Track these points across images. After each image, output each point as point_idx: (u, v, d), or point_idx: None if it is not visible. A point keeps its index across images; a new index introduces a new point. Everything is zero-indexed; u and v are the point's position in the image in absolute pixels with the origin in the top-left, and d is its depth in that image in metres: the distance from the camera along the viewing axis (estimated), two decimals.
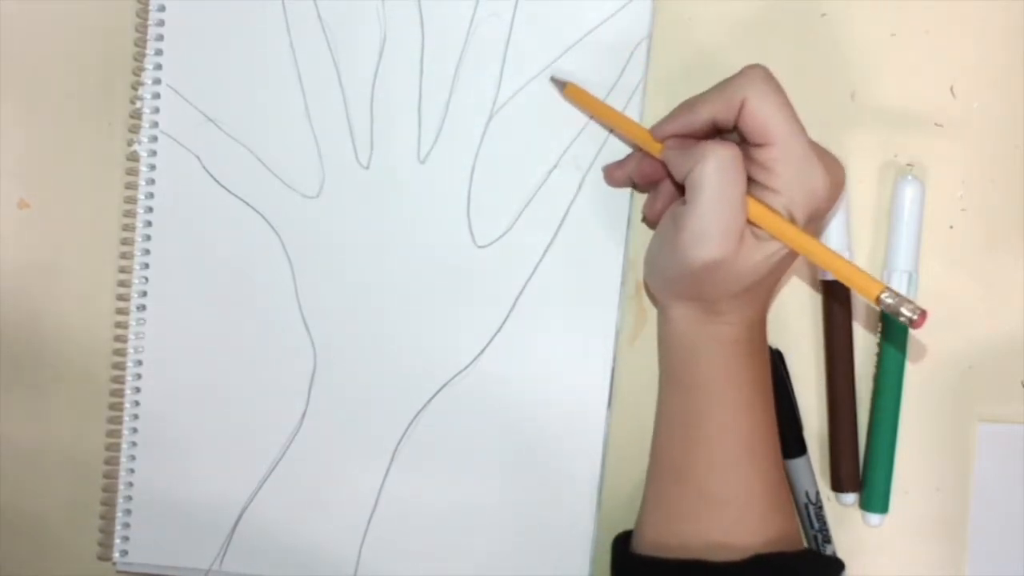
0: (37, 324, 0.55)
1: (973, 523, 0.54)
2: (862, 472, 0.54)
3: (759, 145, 0.45)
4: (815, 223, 0.46)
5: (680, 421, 0.49)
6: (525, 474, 0.53)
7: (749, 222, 0.45)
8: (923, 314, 0.41)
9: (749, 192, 0.45)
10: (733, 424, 0.48)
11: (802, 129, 0.45)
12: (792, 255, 0.46)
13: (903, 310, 0.41)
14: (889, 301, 0.42)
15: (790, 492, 0.51)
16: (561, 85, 0.52)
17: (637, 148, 0.51)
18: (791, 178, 0.44)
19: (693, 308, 0.48)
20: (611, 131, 0.52)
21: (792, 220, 0.45)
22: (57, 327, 0.55)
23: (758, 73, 0.45)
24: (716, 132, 0.47)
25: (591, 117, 0.52)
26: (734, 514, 0.48)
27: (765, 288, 0.48)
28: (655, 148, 0.48)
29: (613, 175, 0.52)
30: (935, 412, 0.54)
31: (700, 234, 0.44)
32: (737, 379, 0.48)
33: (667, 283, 0.49)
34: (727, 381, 0.48)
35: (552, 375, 0.53)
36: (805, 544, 0.52)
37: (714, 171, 0.44)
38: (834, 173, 0.45)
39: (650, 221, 0.52)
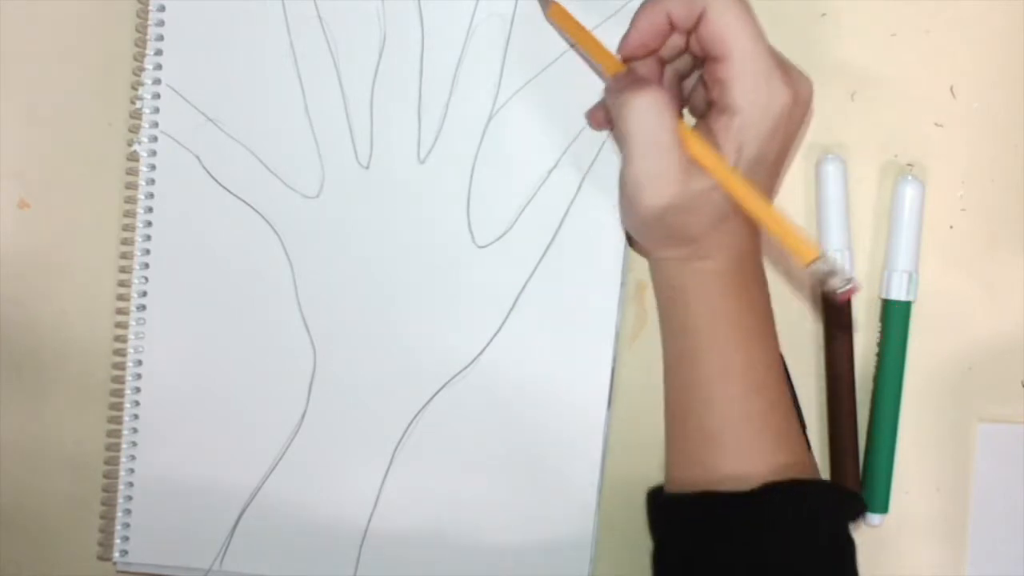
0: (37, 324, 0.56)
1: (973, 523, 0.54)
2: (862, 472, 0.54)
3: (716, 59, 0.44)
4: (781, 143, 0.45)
5: (677, 364, 0.49)
6: (525, 474, 0.53)
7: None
8: (852, 288, 0.40)
9: (706, 116, 0.44)
10: (728, 362, 0.48)
11: (764, 44, 0.43)
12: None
13: (833, 280, 0.40)
14: (822, 268, 0.40)
15: (799, 423, 0.50)
16: (546, 4, 0.51)
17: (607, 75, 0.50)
18: (749, 95, 0.43)
19: (677, 251, 0.48)
20: (588, 59, 0.52)
21: (742, 145, 0.44)
22: (57, 327, 0.55)
23: None
24: (683, 47, 0.46)
25: (570, 43, 0.52)
26: (739, 447, 0.47)
27: (743, 218, 0.46)
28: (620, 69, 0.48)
29: (595, 116, 0.51)
30: (935, 412, 0.54)
31: (640, 184, 0.44)
32: (728, 316, 0.47)
33: (641, 233, 0.49)
34: (718, 319, 0.47)
35: (552, 375, 0.53)
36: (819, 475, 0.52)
37: (636, 120, 0.43)
38: (799, 90, 0.44)
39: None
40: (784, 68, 0.44)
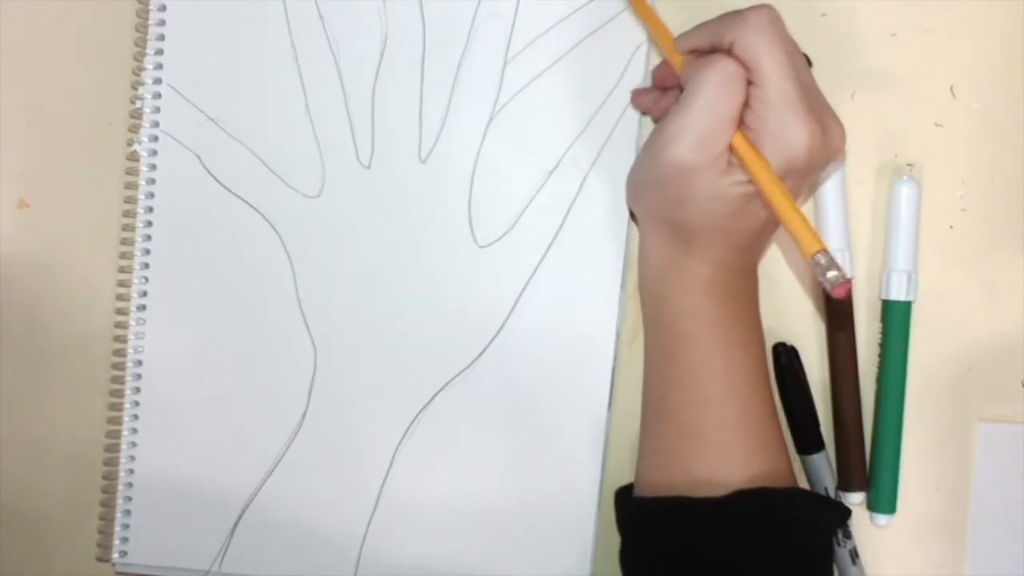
0: (37, 324, 0.55)
1: (973, 523, 0.54)
2: (868, 472, 0.53)
3: (750, 82, 0.44)
4: (792, 179, 0.45)
5: (658, 361, 0.50)
6: (525, 474, 0.53)
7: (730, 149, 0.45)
8: (844, 284, 0.41)
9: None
10: (707, 362, 0.48)
11: (792, 78, 0.44)
12: (768, 211, 0.45)
13: (828, 275, 0.41)
14: (821, 261, 0.41)
15: (781, 432, 0.50)
16: None
17: (662, 54, 0.51)
18: (767, 124, 0.44)
19: (667, 234, 0.48)
20: (648, 32, 0.52)
21: None
22: (57, 327, 0.55)
23: (756, 20, 0.44)
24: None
25: (632, 10, 0.52)
26: (714, 451, 0.48)
27: (742, 233, 0.47)
28: (677, 60, 0.48)
29: (640, 99, 0.52)
30: (935, 412, 0.54)
31: (680, 131, 0.44)
32: (708, 319, 0.48)
33: (641, 189, 0.49)
34: (699, 320, 0.48)
35: (552, 375, 0.53)
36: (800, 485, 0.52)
37: (714, 81, 0.44)
38: (828, 135, 0.45)
39: (654, 115, 0.52)
40: (812, 111, 0.44)
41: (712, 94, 0.44)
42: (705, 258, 0.47)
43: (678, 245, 0.48)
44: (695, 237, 0.47)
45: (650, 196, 0.48)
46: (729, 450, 0.48)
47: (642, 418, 0.51)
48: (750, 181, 0.45)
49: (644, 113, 0.53)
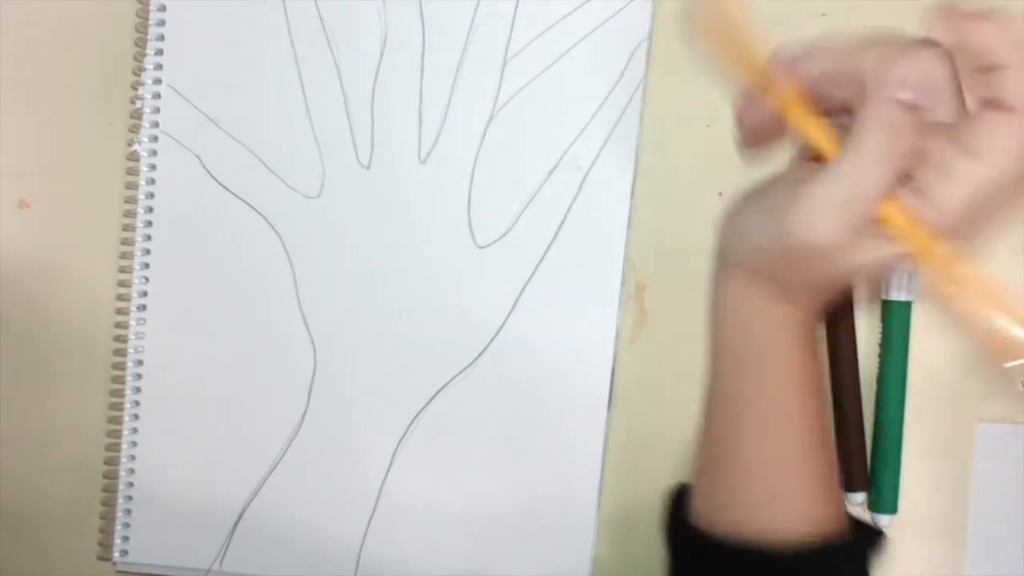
0: (37, 324, 0.55)
1: (973, 523, 0.54)
2: (869, 472, 0.53)
3: (963, 148, 0.34)
4: None
5: (729, 399, 0.46)
6: (525, 474, 0.53)
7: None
8: None
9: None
10: (794, 406, 0.45)
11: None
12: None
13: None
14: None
15: (840, 477, 0.48)
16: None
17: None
18: (941, 195, 0.34)
19: (763, 284, 0.43)
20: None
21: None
22: (57, 327, 0.55)
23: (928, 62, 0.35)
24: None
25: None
26: (781, 495, 0.45)
27: (837, 290, 0.43)
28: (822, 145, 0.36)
29: (749, 118, 0.39)
30: (935, 412, 0.54)
31: (827, 210, 0.36)
32: (797, 364, 0.44)
33: (746, 248, 0.42)
34: (788, 366, 0.44)
35: (552, 375, 0.53)
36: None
37: (884, 148, 0.34)
38: None
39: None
40: None
41: (877, 168, 0.34)
42: (800, 305, 0.43)
43: (774, 295, 0.43)
44: (794, 292, 0.42)
45: (756, 256, 0.41)
46: (797, 497, 0.45)
47: (702, 453, 0.47)
48: (895, 251, 0.36)
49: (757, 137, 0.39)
